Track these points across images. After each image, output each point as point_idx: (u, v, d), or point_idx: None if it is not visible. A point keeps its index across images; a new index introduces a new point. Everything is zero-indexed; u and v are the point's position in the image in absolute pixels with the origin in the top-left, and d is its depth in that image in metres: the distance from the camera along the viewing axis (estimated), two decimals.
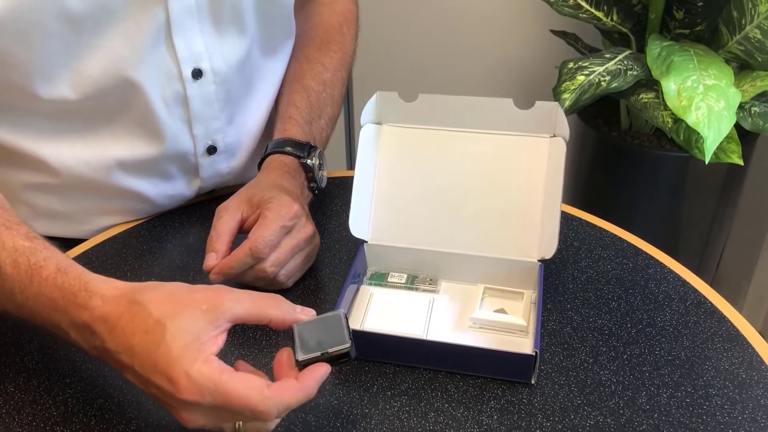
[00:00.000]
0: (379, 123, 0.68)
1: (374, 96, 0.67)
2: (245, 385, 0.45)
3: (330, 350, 0.48)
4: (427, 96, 0.66)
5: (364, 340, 0.59)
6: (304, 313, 0.50)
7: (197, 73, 0.71)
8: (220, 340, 0.47)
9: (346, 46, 0.86)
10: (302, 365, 0.48)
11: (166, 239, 0.76)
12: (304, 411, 0.55)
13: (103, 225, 0.78)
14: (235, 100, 0.76)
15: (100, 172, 0.72)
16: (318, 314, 0.51)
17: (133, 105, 0.68)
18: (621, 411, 0.55)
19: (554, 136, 0.65)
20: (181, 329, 0.46)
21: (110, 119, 0.69)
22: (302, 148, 0.74)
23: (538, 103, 0.64)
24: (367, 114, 0.67)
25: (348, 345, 0.49)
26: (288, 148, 0.73)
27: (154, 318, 0.47)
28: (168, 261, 0.73)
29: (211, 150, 0.77)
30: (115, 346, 0.48)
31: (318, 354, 0.48)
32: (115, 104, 0.68)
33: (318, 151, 0.75)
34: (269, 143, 0.75)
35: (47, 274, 0.51)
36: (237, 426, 0.48)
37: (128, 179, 0.74)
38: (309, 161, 0.73)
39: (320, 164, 0.75)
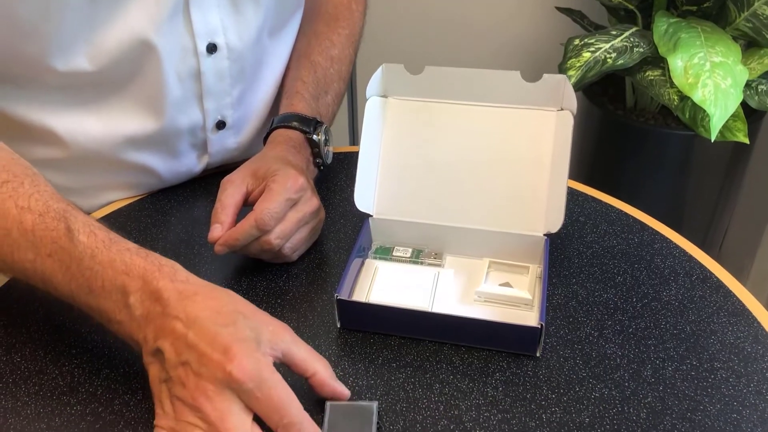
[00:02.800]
0: (384, 96, 0.68)
1: (380, 68, 0.66)
2: (290, 393, 0.47)
3: None
4: (433, 68, 0.65)
5: (370, 312, 0.59)
6: (342, 389, 0.52)
7: (212, 48, 0.70)
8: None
9: (354, 23, 0.86)
10: None
11: (170, 213, 0.76)
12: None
13: (110, 200, 0.78)
14: (246, 76, 0.76)
15: (110, 146, 0.72)
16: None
17: (146, 78, 0.68)
18: (626, 384, 0.55)
19: (562, 109, 0.64)
20: (251, 328, 0.48)
21: (122, 92, 0.69)
22: (308, 123, 0.73)
23: (545, 75, 0.63)
24: (372, 87, 0.66)
25: None
26: (294, 123, 0.73)
27: (230, 307, 0.49)
28: (173, 234, 0.72)
29: (220, 125, 0.77)
30: (176, 312, 0.48)
31: None
32: (129, 77, 0.68)
33: (324, 126, 0.75)
34: (275, 117, 0.75)
35: (130, 247, 0.52)
36: None
37: (137, 154, 0.74)
38: (315, 136, 0.73)
39: (326, 140, 0.75)
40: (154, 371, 0.49)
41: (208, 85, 0.72)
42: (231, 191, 0.65)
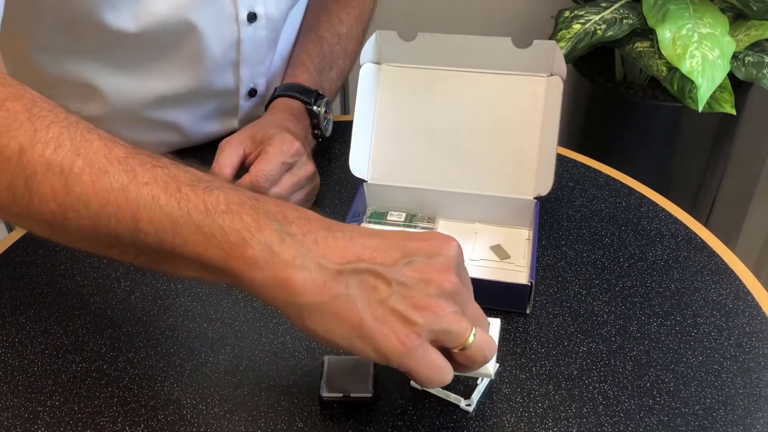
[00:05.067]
0: (378, 63, 0.69)
1: (373, 35, 0.67)
2: None
3: (352, 395, 0.51)
4: (426, 35, 0.67)
5: None
6: None
7: (252, 17, 0.72)
8: None
9: (364, 4, 0.86)
10: (323, 402, 0.51)
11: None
12: (308, 338, 0.57)
13: None
14: (279, 45, 0.78)
15: (142, 104, 0.74)
16: None
17: (186, 43, 0.69)
18: (613, 338, 0.57)
19: (552, 75, 0.65)
20: None
21: (162, 56, 0.70)
22: (310, 94, 0.74)
23: (535, 42, 0.65)
24: (366, 53, 0.68)
25: (369, 395, 0.51)
26: (296, 93, 0.74)
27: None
28: None
29: (252, 93, 0.79)
30: (344, 232, 0.42)
31: (340, 395, 0.51)
32: (170, 41, 0.69)
33: (325, 99, 0.76)
34: (278, 86, 0.76)
35: (258, 199, 0.44)
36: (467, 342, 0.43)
37: (169, 113, 0.76)
38: (315, 107, 0.74)
39: (326, 112, 0.76)
40: (362, 297, 0.41)
41: (246, 54, 0.74)
42: (228, 152, 0.66)
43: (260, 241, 0.40)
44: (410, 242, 0.43)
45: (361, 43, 0.86)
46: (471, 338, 0.42)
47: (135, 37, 0.66)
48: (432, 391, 0.53)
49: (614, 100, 1.42)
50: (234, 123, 0.82)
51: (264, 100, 0.81)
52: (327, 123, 0.77)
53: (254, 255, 0.40)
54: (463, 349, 0.42)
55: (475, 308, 0.45)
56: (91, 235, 0.43)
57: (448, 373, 0.42)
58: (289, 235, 0.40)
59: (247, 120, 0.81)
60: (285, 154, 0.65)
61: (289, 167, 0.65)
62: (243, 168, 0.66)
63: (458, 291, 0.42)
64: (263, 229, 0.40)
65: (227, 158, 0.65)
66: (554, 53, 0.65)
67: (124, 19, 0.65)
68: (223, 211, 0.41)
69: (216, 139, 0.81)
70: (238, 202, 0.41)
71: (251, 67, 0.77)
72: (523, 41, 0.65)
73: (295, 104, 0.74)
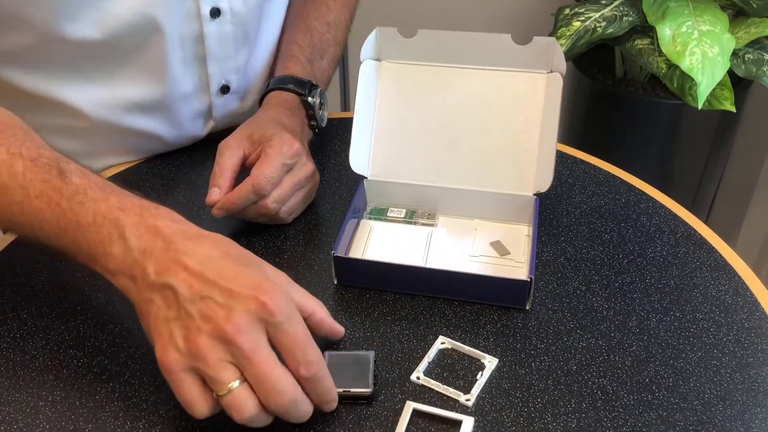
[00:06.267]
0: (378, 59, 0.69)
1: (374, 32, 0.68)
2: (310, 334, 0.48)
3: (352, 390, 0.51)
4: (426, 32, 0.67)
5: (366, 268, 0.61)
6: (338, 327, 0.54)
7: (215, 12, 0.71)
8: None
9: None
10: None
11: (170, 177, 0.77)
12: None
13: (112, 163, 0.79)
14: (250, 41, 0.77)
15: (115, 113, 0.73)
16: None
17: (151, 43, 0.69)
18: (612, 334, 0.57)
19: (551, 71, 0.66)
20: (263, 270, 0.49)
21: (128, 59, 0.70)
22: (303, 86, 0.74)
23: (535, 38, 0.65)
24: (366, 50, 0.68)
25: (369, 390, 0.51)
26: (289, 85, 0.74)
27: (237, 251, 0.50)
28: (172, 198, 0.74)
29: (225, 89, 0.78)
30: (185, 249, 0.47)
31: (340, 390, 0.50)
32: (134, 44, 0.69)
33: (319, 89, 0.76)
34: (271, 80, 0.76)
35: (123, 192, 0.52)
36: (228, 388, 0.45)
37: (142, 120, 0.75)
38: (310, 99, 0.74)
39: (321, 103, 0.76)
40: (155, 308, 0.47)
41: (212, 50, 0.74)
42: (228, 155, 0.66)
43: (111, 253, 0.49)
44: (229, 280, 0.46)
45: (348, 29, 0.86)
46: (229, 388, 0.45)
47: (100, 44, 0.66)
48: (432, 386, 0.53)
49: (614, 98, 1.42)
50: (210, 123, 0.81)
51: (241, 96, 0.80)
52: (322, 113, 0.76)
53: (106, 265, 0.49)
54: (220, 396, 0.45)
55: (263, 372, 0.45)
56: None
57: (196, 409, 0.46)
58: (133, 249, 0.48)
59: (226, 118, 0.81)
60: (285, 155, 0.65)
61: (289, 168, 0.66)
62: (244, 169, 0.66)
63: (236, 341, 0.44)
64: (114, 243, 0.49)
65: (227, 161, 0.65)
66: (554, 50, 0.65)
67: (86, 29, 0.65)
68: (89, 223, 0.49)
69: (198, 141, 0.82)
70: (103, 214, 0.50)
71: (219, 64, 0.76)
72: (523, 38, 0.65)
73: (290, 97, 0.74)
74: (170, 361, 0.45)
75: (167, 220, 0.50)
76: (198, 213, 0.71)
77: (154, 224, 0.49)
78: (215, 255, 0.48)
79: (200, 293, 0.46)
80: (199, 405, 0.46)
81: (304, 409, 0.47)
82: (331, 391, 0.49)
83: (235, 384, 0.45)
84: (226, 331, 0.44)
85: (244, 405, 0.45)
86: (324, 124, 0.77)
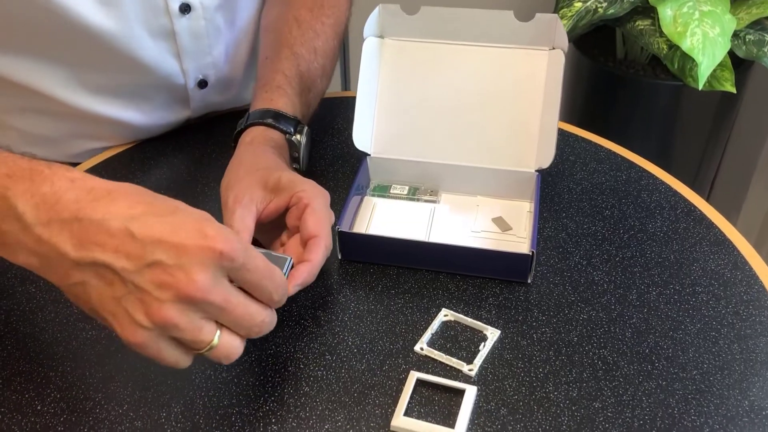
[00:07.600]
0: (381, 36, 0.69)
1: (376, 9, 0.68)
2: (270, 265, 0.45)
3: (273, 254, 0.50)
4: (428, 9, 0.67)
5: (370, 243, 0.62)
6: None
7: (185, 8, 0.70)
8: None
9: (340, 12, 0.79)
10: None
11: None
12: (314, 306, 0.58)
13: (88, 148, 0.79)
14: (224, 35, 0.77)
15: (86, 99, 0.73)
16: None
17: (117, 37, 0.68)
18: (612, 307, 0.58)
19: (553, 48, 0.66)
20: (193, 212, 0.44)
21: (92, 49, 0.69)
22: (290, 123, 0.67)
23: (537, 15, 0.65)
24: (369, 27, 0.68)
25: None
26: (275, 122, 0.67)
27: (151, 197, 0.44)
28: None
29: (202, 84, 0.78)
30: (99, 214, 0.41)
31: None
32: (98, 35, 0.67)
33: (306, 129, 0.69)
34: (253, 112, 0.68)
35: (12, 156, 0.45)
36: (210, 344, 0.44)
37: (117, 109, 0.75)
38: (296, 138, 0.67)
39: (306, 143, 0.69)
40: (93, 290, 0.42)
41: (185, 45, 0.73)
42: (240, 214, 0.56)
43: (6, 231, 0.43)
44: (168, 236, 0.41)
45: (337, 58, 0.79)
46: (215, 341, 0.43)
47: (62, 30, 0.65)
48: (435, 357, 0.54)
49: (615, 79, 1.42)
50: (187, 112, 0.80)
51: (219, 90, 0.79)
52: (305, 153, 0.69)
53: (28, 261, 0.44)
54: (209, 349, 0.43)
55: (241, 315, 0.43)
56: None
57: (181, 365, 0.44)
58: (32, 224, 0.42)
59: (203, 108, 0.80)
60: (327, 205, 0.58)
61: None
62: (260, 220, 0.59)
63: (205, 299, 0.41)
64: (7, 219, 0.43)
65: (241, 222, 0.55)
66: (556, 26, 0.65)
67: (41, 15, 0.63)
68: (42, 223, 0.42)
69: (172, 129, 0.81)
70: (47, 210, 0.42)
71: (195, 60, 0.75)
72: (525, 15, 0.66)
73: (276, 135, 0.66)
74: (140, 340, 0.42)
75: (65, 181, 0.43)
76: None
77: (51, 190, 0.42)
78: (137, 212, 0.42)
79: (144, 261, 0.40)
80: (183, 361, 0.44)
81: (275, 321, 0.47)
82: (287, 288, 0.47)
83: (216, 338, 0.43)
84: (190, 294, 0.40)
85: (230, 351, 0.44)
86: (304, 168, 0.69)
